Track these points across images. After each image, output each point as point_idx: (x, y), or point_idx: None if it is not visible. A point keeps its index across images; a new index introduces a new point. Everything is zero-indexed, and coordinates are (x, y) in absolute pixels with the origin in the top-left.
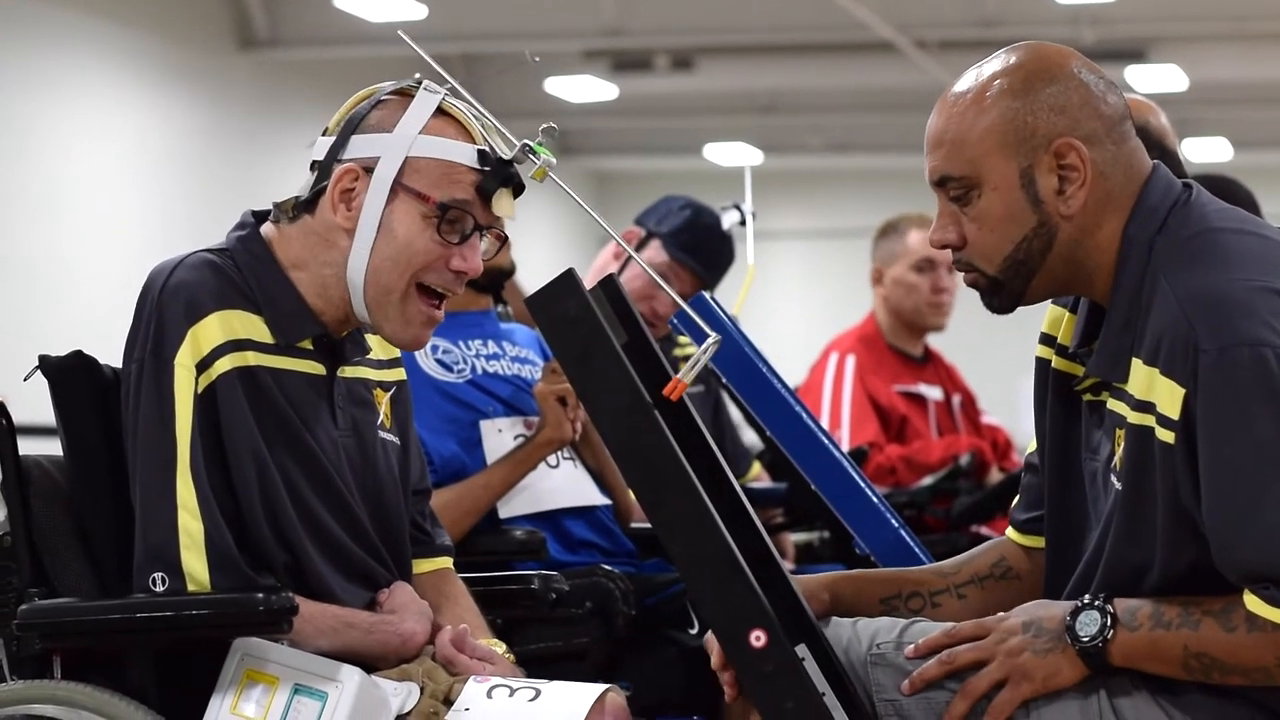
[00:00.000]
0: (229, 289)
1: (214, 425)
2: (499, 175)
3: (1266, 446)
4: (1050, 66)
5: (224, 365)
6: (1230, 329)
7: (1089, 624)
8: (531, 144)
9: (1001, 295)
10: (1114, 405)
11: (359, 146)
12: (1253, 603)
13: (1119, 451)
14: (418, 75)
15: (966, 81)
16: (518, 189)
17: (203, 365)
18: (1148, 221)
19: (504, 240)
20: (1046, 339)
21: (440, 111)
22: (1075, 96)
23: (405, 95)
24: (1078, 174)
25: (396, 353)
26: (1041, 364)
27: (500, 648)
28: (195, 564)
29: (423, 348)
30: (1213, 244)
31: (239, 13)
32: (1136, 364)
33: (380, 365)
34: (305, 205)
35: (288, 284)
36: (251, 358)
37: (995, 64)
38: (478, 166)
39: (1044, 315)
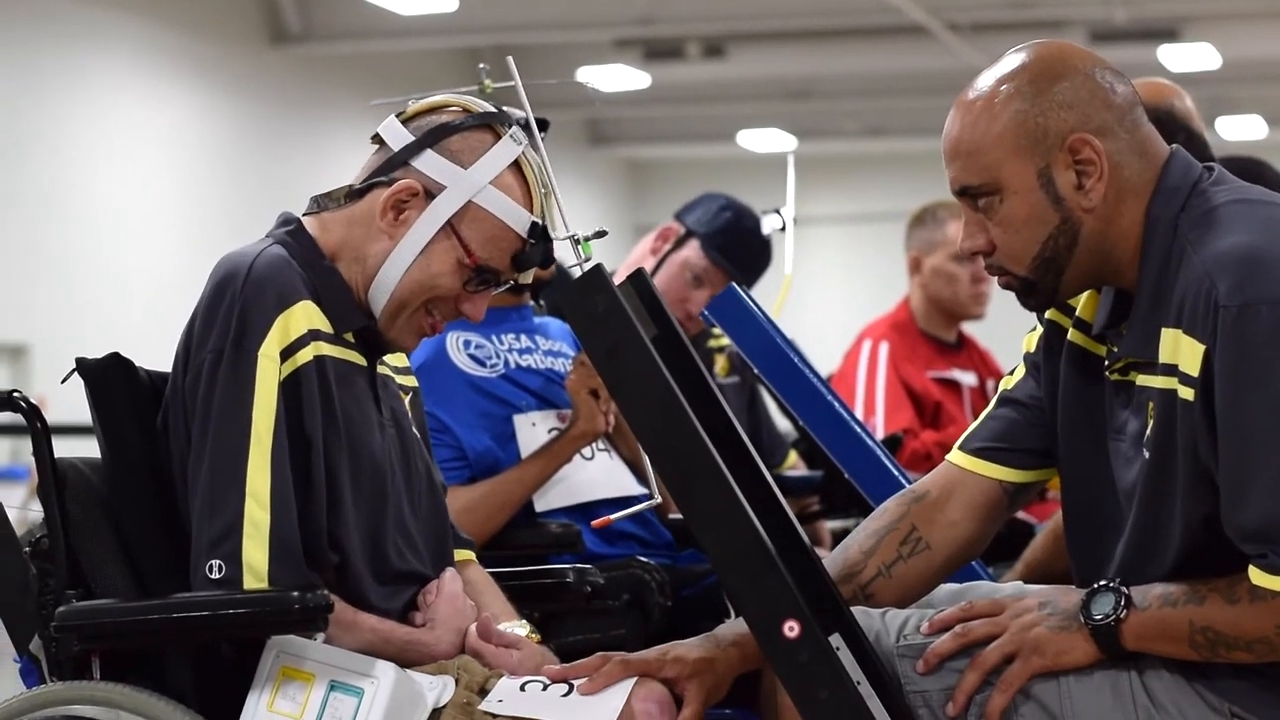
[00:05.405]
0: (302, 281)
1: (297, 413)
2: (539, 253)
3: None
4: (1055, 64)
5: (307, 354)
6: (1251, 286)
7: (1103, 604)
8: (580, 237)
9: (1036, 295)
10: (1144, 381)
11: (430, 165)
12: (1255, 574)
13: (1150, 424)
14: (514, 122)
15: (975, 90)
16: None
17: (288, 353)
18: (1170, 201)
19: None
20: (1061, 306)
21: (514, 165)
22: (1083, 91)
23: (492, 132)
24: (1094, 168)
25: (406, 360)
26: (1055, 328)
27: (525, 629)
28: (256, 554)
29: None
30: (1237, 212)
31: (271, 8)
32: (1164, 333)
33: (398, 371)
34: (358, 193)
35: (337, 275)
36: (325, 348)
37: (1001, 68)
38: (526, 237)
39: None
